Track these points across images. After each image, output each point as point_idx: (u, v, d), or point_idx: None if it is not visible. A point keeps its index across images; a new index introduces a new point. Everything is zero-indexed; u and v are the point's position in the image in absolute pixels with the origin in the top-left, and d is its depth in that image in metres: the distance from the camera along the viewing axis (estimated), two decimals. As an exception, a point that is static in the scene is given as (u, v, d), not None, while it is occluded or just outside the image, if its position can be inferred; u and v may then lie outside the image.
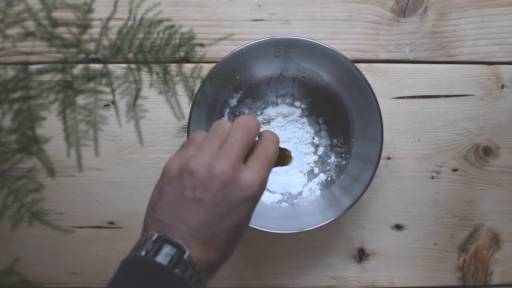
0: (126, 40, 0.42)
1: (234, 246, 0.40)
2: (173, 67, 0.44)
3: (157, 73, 0.43)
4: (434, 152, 0.65)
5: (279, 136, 0.44)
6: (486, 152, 0.65)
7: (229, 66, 0.57)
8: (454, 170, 0.65)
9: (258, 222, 0.58)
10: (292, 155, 0.45)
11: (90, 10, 0.41)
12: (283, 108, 0.64)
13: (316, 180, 0.64)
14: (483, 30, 0.64)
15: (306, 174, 0.64)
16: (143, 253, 0.37)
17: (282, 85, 0.64)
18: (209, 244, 0.38)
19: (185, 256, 0.37)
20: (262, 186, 0.39)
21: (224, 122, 0.41)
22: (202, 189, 0.38)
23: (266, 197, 0.63)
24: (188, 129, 0.56)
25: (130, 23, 0.42)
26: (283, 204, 0.62)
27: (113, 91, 0.42)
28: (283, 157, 0.45)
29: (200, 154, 0.40)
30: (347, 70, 0.57)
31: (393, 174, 0.65)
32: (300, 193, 0.63)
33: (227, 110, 0.63)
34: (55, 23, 0.40)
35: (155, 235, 0.38)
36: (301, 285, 0.66)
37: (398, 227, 0.66)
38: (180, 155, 0.41)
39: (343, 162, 0.63)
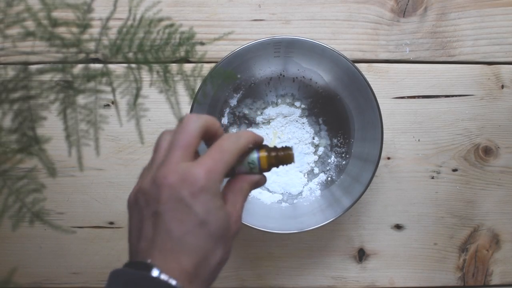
0: (126, 40, 0.42)
1: (208, 245, 0.37)
2: (173, 66, 0.44)
3: (158, 72, 0.43)
4: (434, 152, 0.65)
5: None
6: (486, 152, 0.65)
7: (230, 66, 0.57)
8: (454, 170, 0.65)
9: (258, 222, 0.58)
10: (293, 152, 0.43)
11: (90, 9, 0.41)
12: (283, 108, 0.64)
13: (316, 180, 0.64)
14: (483, 30, 0.64)
15: (306, 174, 0.64)
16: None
17: (282, 85, 0.64)
18: (177, 251, 0.36)
19: (154, 274, 0.35)
20: (209, 177, 0.37)
21: (166, 132, 0.40)
22: (155, 202, 0.37)
23: (266, 197, 0.63)
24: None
25: (130, 22, 0.42)
26: (283, 204, 0.62)
27: (113, 91, 0.42)
28: (285, 156, 0.43)
29: (147, 172, 0.39)
30: (347, 70, 0.57)
31: (393, 174, 0.65)
32: (300, 193, 0.63)
33: (227, 110, 0.63)
34: (55, 23, 0.40)
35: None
36: (301, 285, 0.66)
37: (398, 227, 0.65)
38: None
39: (343, 162, 0.63)
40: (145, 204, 0.37)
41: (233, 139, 0.39)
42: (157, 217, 0.36)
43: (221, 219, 0.37)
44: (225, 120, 0.63)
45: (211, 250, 0.37)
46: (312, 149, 0.64)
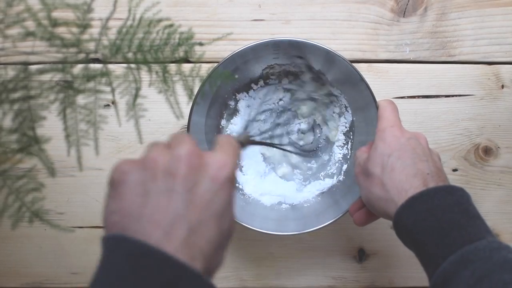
0: (125, 40, 0.42)
1: (221, 250, 0.34)
2: (172, 66, 0.44)
3: (157, 72, 0.43)
4: (435, 150, 0.65)
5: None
6: (486, 152, 0.65)
7: (229, 67, 0.57)
8: (454, 170, 0.65)
9: (258, 223, 0.58)
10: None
11: (89, 9, 0.41)
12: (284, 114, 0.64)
13: (316, 181, 0.64)
14: (483, 30, 0.64)
15: (306, 175, 0.64)
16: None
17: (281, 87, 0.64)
18: (191, 245, 0.31)
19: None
20: (234, 168, 0.34)
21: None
22: (168, 176, 0.32)
23: (266, 199, 0.63)
24: (188, 129, 0.56)
25: (129, 22, 0.42)
26: (283, 205, 0.62)
27: (113, 91, 0.42)
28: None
29: (154, 149, 0.34)
30: (346, 71, 0.57)
31: (393, 174, 0.65)
32: (300, 195, 0.63)
33: (226, 110, 0.63)
34: (55, 23, 0.40)
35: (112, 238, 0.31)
36: (301, 285, 0.66)
37: (398, 227, 0.65)
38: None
39: (344, 163, 0.63)
40: (152, 176, 0.32)
41: (233, 140, 0.38)
42: (170, 196, 0.31)
43: (231, 217, 0.35)
44: (225, 119, 0.63)
45: (224, 236, 0.34)
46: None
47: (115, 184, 0.33)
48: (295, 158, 0.64)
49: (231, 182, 0.34)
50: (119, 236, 0.31)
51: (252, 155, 0.64)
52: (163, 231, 0.30)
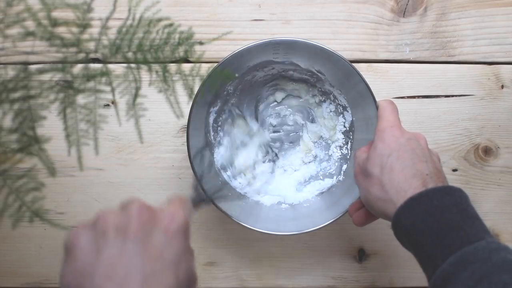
0: (125, 39, 0.42)
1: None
2: (172, 66, 0.44)
3: (157, 72, 0.43)
4: (435, 150, 0.65)
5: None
6: (486, 152, 0.65)
7: (229, 67, 0.57)
8: (454, 170, 0.65)
9: (258, 223, 0.58)
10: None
11: (89, 9, 0.41)
12: (282, 110, 0.64)
13: (316, 181, 0.64)
14: (483, 30, 0.64)
15: (306, 175, 0.64)
16: None
17: (281, 86, 0.64)
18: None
19: None
20: (185, 220, 0.36)
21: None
22: (120, 232, 0.33)
23: (266, 199, 0.63)
24: (188, 129, 0.56)
25: (129, 22, 0.42)
26: (283, 205, 0.62)
27: (113, 90, 0.42)
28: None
29: (105, 210, 0.35)
30: (346, 71, 0.57)
31: (393, 174, 0.65)
32: (300, 195, 0.63)
33: (226, 110, 0.63)
34: (55, 23, 0.40)
35: None
36: (301, 285, 0.66)
37: (398, 227, 0.65)
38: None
39: (343, 163, 0.63)
40: (104, 230, 0.33)
41: (182, 195, 0.40)
42: (122, 247, 0.32)
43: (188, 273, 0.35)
44: (224, 119, 0.63)
45: (182, 285, 0.34)
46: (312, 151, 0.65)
47: (68, 248, 0.34)
48: (295, 160, 0.64)
49: (184, 233, 0.35)
50: None
51: (250, 152, 0.64)
52: (116, 284, 0.31)
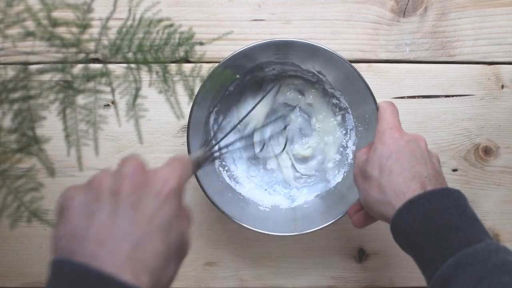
0: (125, 40, 0.42)
1: (171, 263, 0.34)
2: (172, 66, 0.44)
3: (157, 72, 0.43)
4: (434, 152, 0.65)
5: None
6: (486, 152, 0.65)
7: (230, 67, 0.57)
8: (454, 170, 0.65)
9: (258, 224, 0.58)
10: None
11: (89, 9, 0.41)
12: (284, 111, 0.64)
13: (316, 182, 0.64)
14: (483, 30, 0.64)
15: (306, 176, 0.64)
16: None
17: (282, 86, 0.64)
18: (135, 260, 0.31)
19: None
20: (179, 182, 0.35)
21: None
22: (112, 195, 0.33)
23: (266, 200, 0.63)
24: (188, 129, 0.56)
25: (129, 22, 0.42)
26: (283, 206, 0.62)
27: (112, 91, 0.42)
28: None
29: (101, 172, 0.35)
30: (346, 71, 0.57)
31: (393, 174, 0.65)
32: (300, 195, 0.63)
33: (227, 111, 0.63)
34: (55, 23, 0.40)
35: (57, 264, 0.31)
36: (301, 285, 0.66)
37: (398, 227, 0.65)
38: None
39: (343, 164, 0.63)
40: (96, 196, 0.33)
41: (183, 157, 0.39)
42: (112, 215, 0.32)
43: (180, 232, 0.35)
44: (224, 119, 0.63)
45: (172, 249, 0.34)
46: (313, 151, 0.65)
47: (61, 210, 0.33)
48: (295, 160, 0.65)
49: (176, 196, 0.34)
50: (62, 260, 0.31)
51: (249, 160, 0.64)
52: (107, 250, 0.31)
